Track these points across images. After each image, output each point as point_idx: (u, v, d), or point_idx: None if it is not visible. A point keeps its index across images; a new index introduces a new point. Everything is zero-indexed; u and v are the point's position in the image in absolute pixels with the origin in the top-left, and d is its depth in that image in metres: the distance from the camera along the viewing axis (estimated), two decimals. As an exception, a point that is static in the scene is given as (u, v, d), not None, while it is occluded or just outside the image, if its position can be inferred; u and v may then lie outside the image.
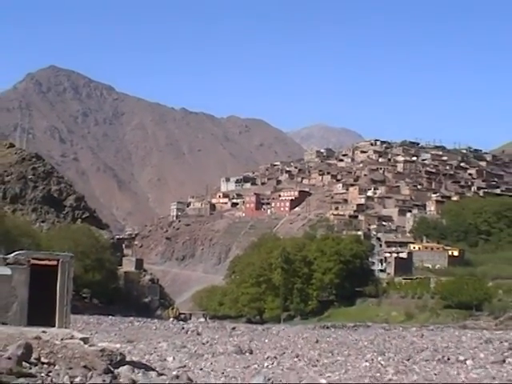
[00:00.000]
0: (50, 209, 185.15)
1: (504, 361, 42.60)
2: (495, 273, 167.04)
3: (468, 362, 41.89)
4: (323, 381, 31.79)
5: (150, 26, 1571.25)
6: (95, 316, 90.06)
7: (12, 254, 34.42)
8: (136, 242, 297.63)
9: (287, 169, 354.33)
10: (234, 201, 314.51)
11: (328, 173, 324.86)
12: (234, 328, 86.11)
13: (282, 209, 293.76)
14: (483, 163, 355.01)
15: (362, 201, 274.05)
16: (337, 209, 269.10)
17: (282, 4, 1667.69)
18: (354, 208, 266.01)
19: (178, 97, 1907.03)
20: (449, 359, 42.98)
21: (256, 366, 38.35)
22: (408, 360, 42.47)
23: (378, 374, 34.42)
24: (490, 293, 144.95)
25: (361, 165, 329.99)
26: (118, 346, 34.50)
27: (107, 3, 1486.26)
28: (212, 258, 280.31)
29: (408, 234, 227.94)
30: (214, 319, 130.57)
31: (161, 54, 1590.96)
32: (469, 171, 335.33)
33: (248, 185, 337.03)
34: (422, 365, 39.80)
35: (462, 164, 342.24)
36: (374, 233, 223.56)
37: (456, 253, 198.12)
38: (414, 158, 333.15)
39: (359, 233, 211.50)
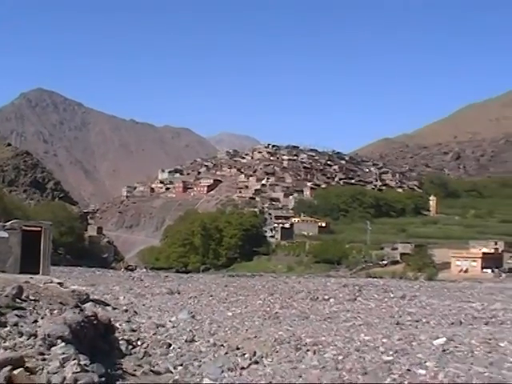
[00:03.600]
0: (36, 190, 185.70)
1: (355, 299, 43.15)
2: (350, 238, 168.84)
3: (331, 299, 42.24)
4: (229, 313, 31.90)
5: (108, 58, 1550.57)
6: (68, 267, 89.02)
7: (9, 223, 34.05)
8: (97, 215, 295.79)
9: (205, 164, 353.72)
10: (168, 186, 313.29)
11: (234, 167, 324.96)
12: (166, 276, 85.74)
13: (201, 192, 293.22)
14: (343, 162, 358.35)
15: (258, 187, 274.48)
16: (240, 192, 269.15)
17: (203, 18, 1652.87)
18: (253, 192, 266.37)
19: (128, 111, 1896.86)
20: (318, 298, 43.28)
21: (182, 302, 38.25)
22: (289, 299, 42.67)
23: (269, 309, 34.55)
24: (346, 252, 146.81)
25: (257, 161, 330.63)
26: (84, 288, 34.19)
27: (78, 41, 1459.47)
28: (151, 226, 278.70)
29: (290, 211, 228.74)
30: (153, 270, 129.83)
31: (116, 79, 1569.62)
32: (333, 167, 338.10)
33: (177, 175, 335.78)
34: (299, 302, 40.02)
35: (328, 162, 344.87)
36: (267, 210, 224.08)
37: (324, 224, 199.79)
38: (295, 157, 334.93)
39: (256, 209, 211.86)
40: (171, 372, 16.10)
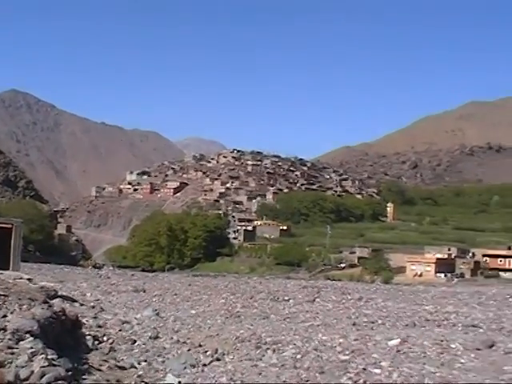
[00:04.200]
0: (8, 188, 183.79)
1: (314, 300, 43.26)
2: (310, 242, 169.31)
3: (291, 300, 42.34)
4: (193, 311, 31.89)
5: (81, 62, 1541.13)
6: (37, 263, 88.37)
7: (-20, 220, 33.73)
8: (67, 214, 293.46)
9: (172, 167, 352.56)
10: (135, 187, 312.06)
11: (200, 170, 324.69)
12: (132, 274, 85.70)
13: (167, 194, 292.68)
14: (305, 168, 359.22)
15: (223, 190, 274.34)
16: (205, 195, 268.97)
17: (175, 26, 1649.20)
18: (217, 195, 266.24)
19: (99, 114, 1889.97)
20: (278, 298, 43.36)
21: (147, 300, 38.22)
22: (251, 298, 42.72)
23: (230, 308, 34.58)
24: (306, 255, 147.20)
25: (223, 166, 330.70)
26: (52, 284, 33.92)
27: (52, 43, 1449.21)
28: (119, 226, 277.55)
29: (253, 214, 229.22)
30: (119, 268, 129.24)
31: (88, 83, 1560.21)
32: (295, 173, 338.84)
33: (145, 176, 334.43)
34: (259, 302, 40.09)
35: (291, 168, 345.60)
36: (230, 212, 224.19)
37: (285, 228, 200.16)
38: (259, 163, 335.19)
39: (220, 212, 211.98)
40: (135, 367, 16.10)
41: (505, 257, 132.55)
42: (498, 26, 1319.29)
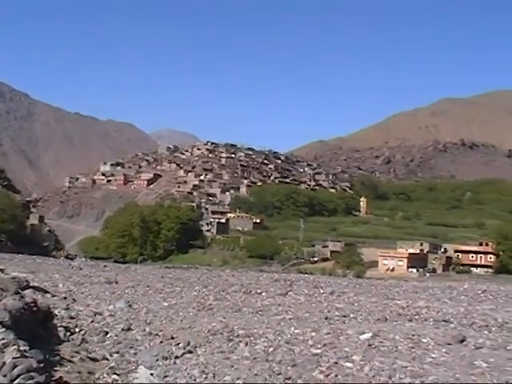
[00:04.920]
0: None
1: (286, 293, 43.34)
2: (283, 235, 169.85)
3: (263, 293, 42.40)
4: (165, 304, 31.84)
5: (56, 50, 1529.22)
6: (9, 254, 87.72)
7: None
8: (39, 204, 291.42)
9: (146, 158, 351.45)
10: (109, 178, 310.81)
11: (174, 162, 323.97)
12: (105, 266, 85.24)
13: (141, 185, 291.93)
14: (279, 161, 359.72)
15: (197, 182, 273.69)
16: (179, 187, 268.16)
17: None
18: (191, 187, 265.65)
19: (74, 104, 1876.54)
20: (250, 291, 43.39)
21: (119, 292, 38.10)
22: (223, 291, 42.71)
23: (203, 300, 34.55)
24: (279, 248, 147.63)
25: (196, 158, 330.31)
26: (24, 275, 33.74)
27: (27, 32, 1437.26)
28: (92, 217, 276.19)
29: (227, 207, 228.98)
30: (92, 259, 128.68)
31: (62, 72, 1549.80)
32: (269, 166, 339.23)
33: (119, 168, 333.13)
34: (232, 295, 40.10)
35: (264, 161, 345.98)
36: (204, 205, 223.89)
37: (258, 220, 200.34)
38: (233, 155, 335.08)
39: (193, 204, 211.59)
40: (107, 359, 16.08)
41: (476, 253, 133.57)
42: (471, 26, 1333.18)
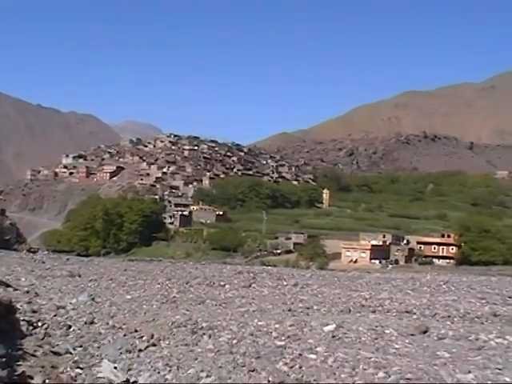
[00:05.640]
0: None
1: (250, 285, 43.46)
2: (246, 227, 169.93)
3: (226, 285, 42.48)
4: (128, 296, 31.76)
5: (17, 42, 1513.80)
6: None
7: None
8: (1, 197, 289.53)
9: (109, 150, 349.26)
10: (71, 171, 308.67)
11: (137, 155, 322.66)
12: (67, 259, 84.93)
13: (104, 178, 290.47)
14: (242, 153, 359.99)
15: (159, 175, 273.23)
16: (142, 179, 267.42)
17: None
18: (154, 179, 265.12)
19: (35, 95, 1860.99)
20: (214, 284, 43.48)
21: (82, 285, 37.96)
22: (187, 284, 42.72)
23: (166, 293, 34.54)
24: (242, 240, 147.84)
25: (159, 150, 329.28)
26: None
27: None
28: (54, 210, 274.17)
29: (190, 199, 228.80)
30: (55, 252, 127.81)
31: (23, 64, 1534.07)
32: (232, 158, 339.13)
33: (81, 160, 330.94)
34: (196, 287, 40.12)
35: (227, 153, 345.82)
36: (167, 197, 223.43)
37: (221, 213, 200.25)
38: (196, 148, 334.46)
39: (156, 196, 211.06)
40: (71, 353, 16.01)
41: (438, 244, 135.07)
42: (432, 21, 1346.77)
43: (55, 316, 21.66)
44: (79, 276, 46.03)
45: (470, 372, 14.30)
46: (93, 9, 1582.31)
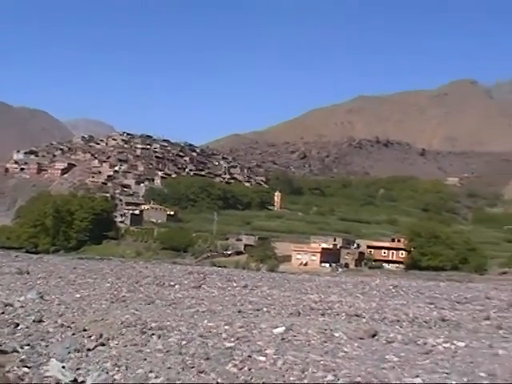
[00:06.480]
0: None
1: (200, 286, 43.49)
2: (197, 228, 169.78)
3: (176, 286, 42.51)
4: (77, 295, 31.54)
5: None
6: None
7: None
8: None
9: (60, 147, 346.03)
10: (22, 166, 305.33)
11: (89, 152, 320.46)
12: (16, 256, 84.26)
13: (55, 174, 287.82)
14: (194, 154, 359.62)
15: (111, 173, 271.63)
16: (93, 177, 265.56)
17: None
18: (105, 178, 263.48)
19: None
20: (164, 284, 43.46)
21: (31, 283, 37.70)
22: (137, 283, 42.62)
23: (116, 292, 34.44)
24: (193, 241, 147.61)
25: (112, 148, 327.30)
26: None
27: None
28: (3, 206, 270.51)
29: (141, 198, 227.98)
30: (3, 249, 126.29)
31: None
32: (184, 158, 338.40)
33: (33, 156, 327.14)
34: (145, 287, 40.04)
35: (180, 153, 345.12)
36: (118, 196, 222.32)
37: (172, 212, 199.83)
38: (148, 147, 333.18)
39: (107, 195, 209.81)
40: (18, 351, 15.88)
41: (388, 249, 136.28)
42: (386, 27, 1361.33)
43: (2, 313, 21.48)
44: (28, 273, 45.66)
45: (417, 376, 14.48)
46: (41, 8, 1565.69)
